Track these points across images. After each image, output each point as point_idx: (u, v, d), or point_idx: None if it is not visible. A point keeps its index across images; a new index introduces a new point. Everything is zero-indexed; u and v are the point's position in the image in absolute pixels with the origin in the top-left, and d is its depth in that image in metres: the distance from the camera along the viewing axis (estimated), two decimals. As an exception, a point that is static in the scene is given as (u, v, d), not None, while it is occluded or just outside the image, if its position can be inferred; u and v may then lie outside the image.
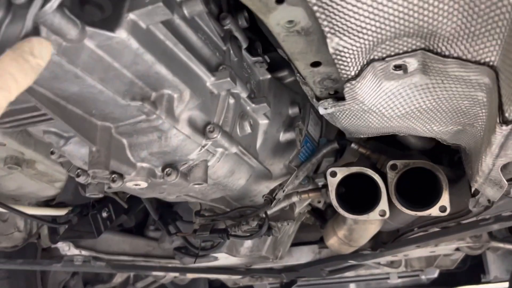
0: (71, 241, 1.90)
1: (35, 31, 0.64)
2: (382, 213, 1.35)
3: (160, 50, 0.83)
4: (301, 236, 2.41)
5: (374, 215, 1.35)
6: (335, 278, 3.68)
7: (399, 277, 3.20)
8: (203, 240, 1.63)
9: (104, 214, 1.71)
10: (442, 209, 1.32)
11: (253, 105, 1.20)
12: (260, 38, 1.30)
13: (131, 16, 0.75)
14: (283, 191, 1.36)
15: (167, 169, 1.03)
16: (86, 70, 0.76)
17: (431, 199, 1.36)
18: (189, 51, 0.90)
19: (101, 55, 0.77)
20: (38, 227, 1.74)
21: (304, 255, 2.29)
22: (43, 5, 0.63)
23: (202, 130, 1.01)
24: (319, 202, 1.74)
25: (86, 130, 0.88)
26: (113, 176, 1.04)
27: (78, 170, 1.10)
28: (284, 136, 1.40)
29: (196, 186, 1.07)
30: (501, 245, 2.01)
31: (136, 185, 1.03)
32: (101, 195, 1.15)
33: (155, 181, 1.05)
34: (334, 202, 1.37)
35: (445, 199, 1.31)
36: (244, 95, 1.13)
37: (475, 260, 3.12)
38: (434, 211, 1.32)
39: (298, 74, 1.08)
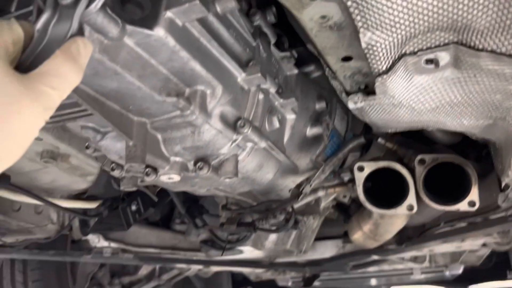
0: (101, 233, 1.96)
1: (80, 31, 0.67)
2: (410, 208, 1.35)
3: (195, 47, 0.85)
4: (324, 231, 2.42)
5: (402, 209, 1.35)
6: (356, 273, 3.69)
7: (422, 273, 3.17)
8: (230, 233, 1.66)
9: (134, 207, 1.75)
10: (471, 204, 1.31)
11: (281, 100, 1.21)
12: (286, 34, 1.31)
13: (169, 14, 0.77)
14: (310, 186, 1.38)
15: (199, 163, 1.06)
16: (125, 67, 0.78)
17: (459, 194, 1.35)
18: (222, 47, 0.92)
19: (139, 52, 0.79)
20: (70, 219, 1.79)
21: (328, 249, 2.30)
22: (88, 5, 0.65)
23: (233, 125, 1.02)
24: (344, 196, 1.74)
25: (123, 125, 0.90)
26: (147, 170, 1.07)
27: (113, 164, 1.13)
28: (311, 131, 1.41)
29: (227, 180, 1.09)
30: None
31: (169, 178, 1.06)
32: (134, 189, 1.18)
33: (187, 174, 1.08)
34: (361, 197, 1.38)
35: (474, 194, 1.31)
36: (273, 90, 1.14)
37: (501, 257, 3.08)
38: (462, 206, 1.31)
39: (327, 69, 1.09)
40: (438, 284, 3.39)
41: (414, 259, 2.75)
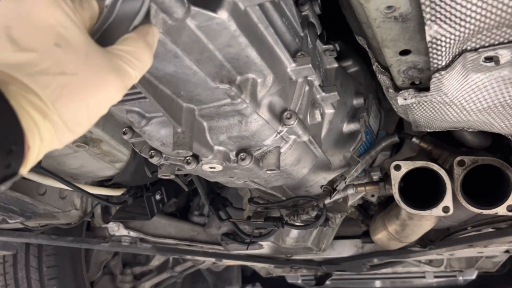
0: (121, 222, 1.94)
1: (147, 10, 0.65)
2: (446, 210, 1.32)
3: (253, 33, 0.83)
4: (340, 230, 2.40)
5: (438, 211, 1.33)
6: (363, 273, 3.67)
7: (435, 277, 3.15)
8: (256, 227, 1.63)
9: (157, 197, 1.73)
10: (510, 208, 1.28)
11: (323, 93, 1.19)
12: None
13: (233, -4, 0.75)
14: (345, 183, 1.35)
15: (241, 154, 1.03)
16: (185, 50, 0.76)
17: (496, 198, 1.32)
18: (276, 35, 0.89)
19: (199, 35, 0.77)
20: (93, 206, 1.77)
21: (346, 248, 2.27)
22: None
23: (279, 116, 1.00)
24: (372, 196, 1.71)
25: (173, 111, 0.88)
26: (187, 158, 1.05)
27: (152, 151, 1.11)
28: (347, 127, 1.38)
29: (268, 172, 1.07)
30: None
31: (211, 168, 1.03)
32: (172, 176, 1.16)
33: (229, 165, 1.05)
34: (397, 196, 1.35)
35: (514, 198, 1.28)
36: (317, 83, 1.11)
37: (516, 264, 3.05)
38: (501, 210, 1.29)
39: (376, 63, 1.06)
40: (450, 289, 3.36)
41: (430, 262, 2.73)
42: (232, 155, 1.05)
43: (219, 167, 1.04)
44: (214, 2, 0.74)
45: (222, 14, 0.74)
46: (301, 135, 1.06)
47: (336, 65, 1.32)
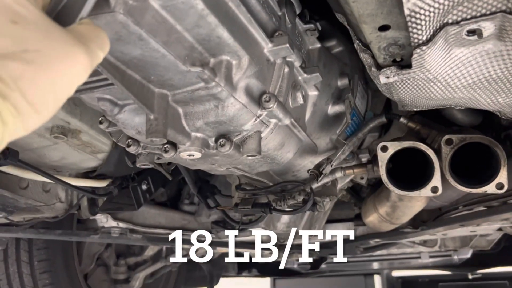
0: (109, 213, 1.91)
1: None
2: (435, 190, 1.30)
3: (223, 12, 0.79)
4: (333, 213, 2.39)
5: (426, 191, 1.30)
6: (360, 256, 3.68)
7: (430, 257, 3.15)
8: (244, 214, 1.61)
9: (144, 187, 1.70)
10: (499, 186, 1.26)
11: (305, 75, 1.15)
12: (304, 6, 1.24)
13: (198, -27, 0.71)
14: (331, 166, 1.32)
15: (220, 140, 1.00)
16: (150, 32, 0.72)
17: (485, 176, 1.30)
18: (249, 13, 0.86)
19: (164, 16, 0.73)
20: (79, 198, 1.74)
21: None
22: None
23: (258, 99, 0.97)
24: (362, 178, 1.69)
25: (144, 97, 0.84)
26: (165, 146, 1.02)
27: (129, 140, 1.08)
28: (332, 109, 1.35)
29: (249, 158, 1.04)
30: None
31: (190, 155, 1.00)
32: (151, 166, 1.13)
33: (208, 152, 1.02)
34: (384, 178, 1.33)
35: (502, 176, 1.25)
36: (297, 64, 1.08)
37: (511, 241, 3.05)
38: (490, 188, 1.26)
39: (357, 42, 1.02)
40: (446, 268, 3.37)
41: (423, 243, 2.72)
42: (211, 142, 1.02)
43: (198, 155, 1.01)
44: (178, -21, 0.70)
45: (187, -8, 0.70)
46: (282, 119, 1.03)
47: (318, 45, 1.28)
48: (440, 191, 1.30)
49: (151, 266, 2.75)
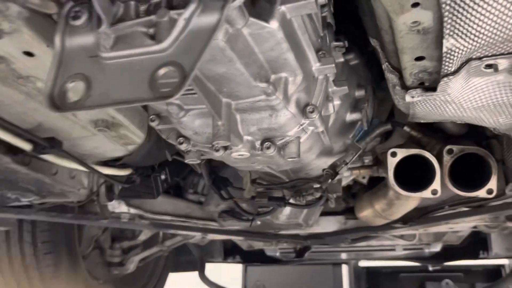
0: (124, 200, 2.01)
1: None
2: (434, 192, 1.49)
3: (293, 39, 0.93)
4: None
5: (427, 193, 1.49)
6: (330, 246, 3.88)
7: (404, 249, 3.41)
8: (259, 206, 1.76)
9: (163, 177, 1.81)
10: (489, 191, 1.46)
11: (335, 87, 1.30)
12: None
13: (283, 8, 0.84)
14: (347, 168, 1.49)
15: (266, 143, 1.14)
16: (239, 55, 0.85)
17: (477, 182, 1.50)
18: (309, 39, 0.99)
19: (249, 42, 0.86)
20: (99, 185, 1.83)
21: (330, 224, 2.45)
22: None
23: (303, 110, 1.11)
24: (363, 177, 1.87)
25: (216, 106, 0.97)
26: (215, 146, 1.15)
27: (180, 138, 1.20)
28: (350, 117, 1.51)
29: (289, 159, 1.18)
30: (517, 226, 2.19)
31: (240, 155, 1.14)
32: (198, 161, 1.26)
33: (254, 153, 1.16)
34: (392, 180, 1.50)
35: (493, 183, 1.46)
36: (331, 78, 1.23)
37: (475, 237, 3.35)
38: (482, 193, 1.46)
39: (387, 63, 1.18)
40: (417, 260, 3.65)
41: (401, 236, 2.96)
42: (258, 144, 1.15)
43: (246, 155, 1.14)
44: (266, 13, 0.83)
45: (273, 24, 0.83)
46: (319, 127, 1.18)
47: (342, 59, 1.42)
48: (439, 194, 1.49)
49: (147, 250, 2.86)
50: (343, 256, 4.56)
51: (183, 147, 1.19)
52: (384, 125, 1.66)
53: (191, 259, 3.48)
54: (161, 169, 1.82)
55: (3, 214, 1.79)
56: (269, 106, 1.04)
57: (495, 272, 4.77)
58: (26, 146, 1.32)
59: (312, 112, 1.10)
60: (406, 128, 1.64)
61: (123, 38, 0.79)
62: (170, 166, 1.89)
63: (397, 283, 5.31)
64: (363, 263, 5.55)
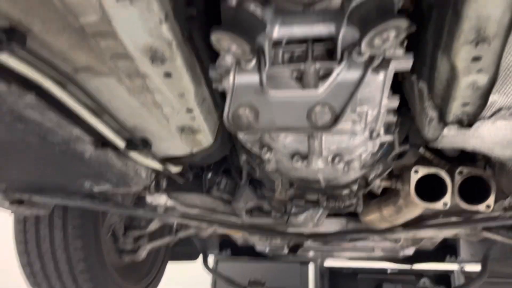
0: (166, 192, 2.23)
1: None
2: (445, 204, 1.84)
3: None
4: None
5: (439, 205, 1.84)
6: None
7: (382, 251, 3.80)
8: (296, 206, 2.05)
9: (209, 176, 2.06)
10: (487, 207, 1.83)
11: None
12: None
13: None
14: (380, 180, 1.81)
15: (336, 158, 1.43)
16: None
17: (479, 198, 1.87)
18: (389, 83, 1.30)
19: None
20: (152, 178, 2.05)
21: (333, 225, 2.77)
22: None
23: (370, 134, 1.41)
24: (378, 187, 2.20)
25: (317, 129, 1.25)
26: (296, 157, 1.43)
27: (265, 148, 1.47)
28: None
29: (351, 172, 1.48)
30: (493, 236, 2.60)
31: (316, 166, 1.42)
32: (275, 167, 1.53)
33: (326, 165, 1.45)
34: (413, 193, 1.84)
35: (491, 200, 1.83)
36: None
37: (443, 243, 3.79)
38: (481, 207, 1.83)
39: (431, 101, 1.51)
40: (390, 261, 4.07)
41: (393, 239, 3.33)
42: (329, 159, 1.45)
43: (321, 168, 1.43)
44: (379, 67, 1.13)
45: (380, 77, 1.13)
46: (375, 147, 1.49)
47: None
48: (448, 206, 1.85)
49: (159, 239, 3.06)
50: (310, 254, 4.90)
51: (267, 156, 1.46)
52: (404, 145, 2.00)
53: (188, 249, 3.71)
54: (209, 168, 2.07)
55: (62, 200, 1.96)
56: (351, 132, 1.33)
57: (444, 277, 5.35)
58: (121, 144, 1.54)
59: (376, 137, 1.41)
60: (421, 150, 1.99)
61: (274, 78, 1.06)
62: (216, 165, 2.15)
63: (356, 284, 5.78)
64: (327, 263, 5.97)
